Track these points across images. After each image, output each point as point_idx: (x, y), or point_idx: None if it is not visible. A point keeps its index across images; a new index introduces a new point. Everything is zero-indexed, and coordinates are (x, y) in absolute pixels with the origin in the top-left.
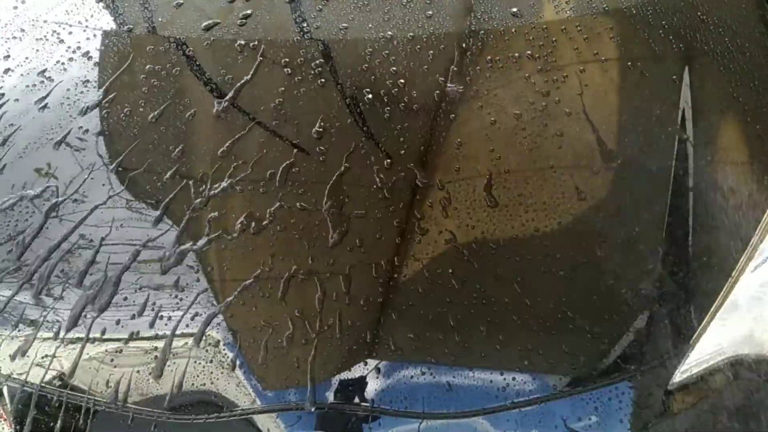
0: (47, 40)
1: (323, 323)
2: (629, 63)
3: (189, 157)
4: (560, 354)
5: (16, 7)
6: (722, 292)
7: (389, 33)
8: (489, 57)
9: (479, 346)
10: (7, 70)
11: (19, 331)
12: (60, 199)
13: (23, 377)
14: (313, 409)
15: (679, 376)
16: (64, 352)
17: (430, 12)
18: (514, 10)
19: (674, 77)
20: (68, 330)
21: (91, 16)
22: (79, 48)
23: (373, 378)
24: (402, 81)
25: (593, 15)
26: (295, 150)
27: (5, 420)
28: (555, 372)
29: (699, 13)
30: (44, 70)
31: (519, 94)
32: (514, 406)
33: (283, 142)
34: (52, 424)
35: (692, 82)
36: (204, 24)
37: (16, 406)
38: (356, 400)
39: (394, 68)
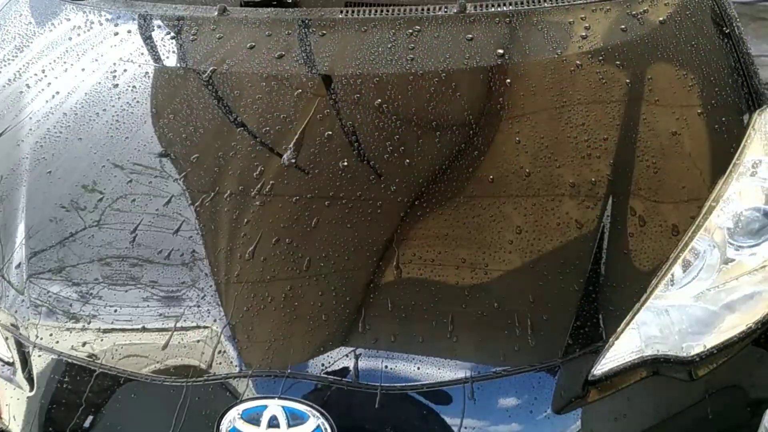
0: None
1: (319, 310)
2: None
3: (220, 172)
4: (496, 343)
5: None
6: (641, 299)
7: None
8: (516, 88)
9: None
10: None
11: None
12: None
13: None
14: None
15: (598, 369)
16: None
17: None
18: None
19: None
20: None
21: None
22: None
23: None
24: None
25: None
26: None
27: None
28: (493, 358)
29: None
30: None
31: (543, 122)
32: (464, 382)
33: (300, 172)
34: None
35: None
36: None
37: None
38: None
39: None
